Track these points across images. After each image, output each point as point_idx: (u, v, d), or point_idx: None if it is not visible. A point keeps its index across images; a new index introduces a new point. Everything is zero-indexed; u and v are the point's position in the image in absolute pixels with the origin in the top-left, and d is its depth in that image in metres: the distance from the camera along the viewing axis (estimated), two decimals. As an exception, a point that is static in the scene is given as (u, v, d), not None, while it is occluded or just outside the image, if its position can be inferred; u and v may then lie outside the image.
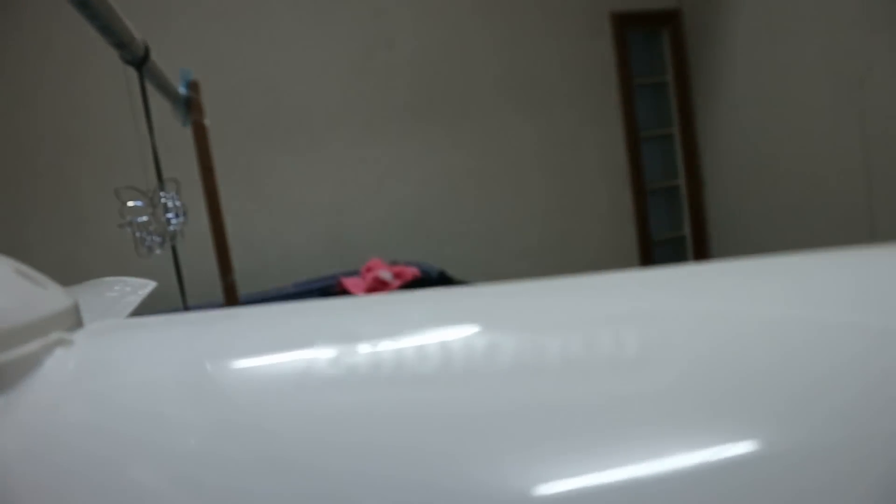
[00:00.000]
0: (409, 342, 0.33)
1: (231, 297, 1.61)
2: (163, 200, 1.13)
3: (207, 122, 1.63)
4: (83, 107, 2.66)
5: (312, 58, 2.95)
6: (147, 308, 0.92)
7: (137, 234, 1.10)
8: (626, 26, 3.40)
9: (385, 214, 3.02)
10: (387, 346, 0.31)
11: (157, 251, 1.13)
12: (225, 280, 1.58)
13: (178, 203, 1.18)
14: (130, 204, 1.09)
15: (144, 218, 1.12)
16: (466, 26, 3.16)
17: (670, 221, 3.65)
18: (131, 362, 0.33)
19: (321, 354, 0.31)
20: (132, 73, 1.19)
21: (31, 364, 0.29)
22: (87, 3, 0.94)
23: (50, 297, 0.34)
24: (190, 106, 1.58)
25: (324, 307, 0.41)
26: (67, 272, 0.91)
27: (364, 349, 0.31)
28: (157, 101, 1.40)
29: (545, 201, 3.29)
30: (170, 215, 1.15)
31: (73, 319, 0.36)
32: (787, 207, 2.99)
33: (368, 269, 2.46)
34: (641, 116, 3.48)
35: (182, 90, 1.57)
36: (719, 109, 3.40)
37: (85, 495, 0.23)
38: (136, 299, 0.99)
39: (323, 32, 2.95)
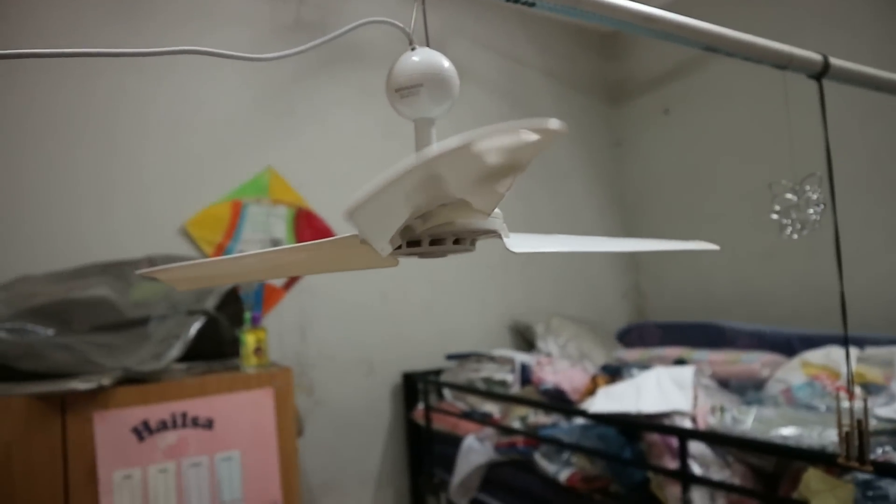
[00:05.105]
0: None
1: None
2: (807, 193, 1.34)
3: None
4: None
5: None
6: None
7: (783, 220, 1.35)
8: None
9: None
10: None
11: (795, 236, 1.36)
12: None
13: (817, 196, 1.36)
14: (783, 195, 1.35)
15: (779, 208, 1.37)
16: None
17: None
18: None
19: None
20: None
21: None
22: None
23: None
24: None
25: None
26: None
27: None
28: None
29: None
30: (809, 208, 1.35)
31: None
32: None
33: None
34: None
35: None
36: None
37: None
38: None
39: None
